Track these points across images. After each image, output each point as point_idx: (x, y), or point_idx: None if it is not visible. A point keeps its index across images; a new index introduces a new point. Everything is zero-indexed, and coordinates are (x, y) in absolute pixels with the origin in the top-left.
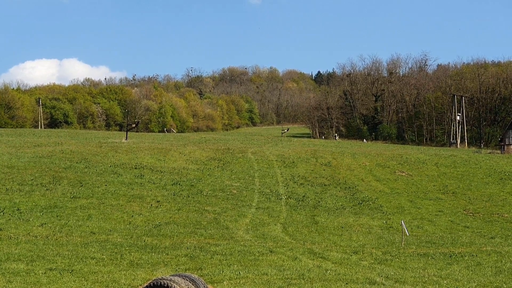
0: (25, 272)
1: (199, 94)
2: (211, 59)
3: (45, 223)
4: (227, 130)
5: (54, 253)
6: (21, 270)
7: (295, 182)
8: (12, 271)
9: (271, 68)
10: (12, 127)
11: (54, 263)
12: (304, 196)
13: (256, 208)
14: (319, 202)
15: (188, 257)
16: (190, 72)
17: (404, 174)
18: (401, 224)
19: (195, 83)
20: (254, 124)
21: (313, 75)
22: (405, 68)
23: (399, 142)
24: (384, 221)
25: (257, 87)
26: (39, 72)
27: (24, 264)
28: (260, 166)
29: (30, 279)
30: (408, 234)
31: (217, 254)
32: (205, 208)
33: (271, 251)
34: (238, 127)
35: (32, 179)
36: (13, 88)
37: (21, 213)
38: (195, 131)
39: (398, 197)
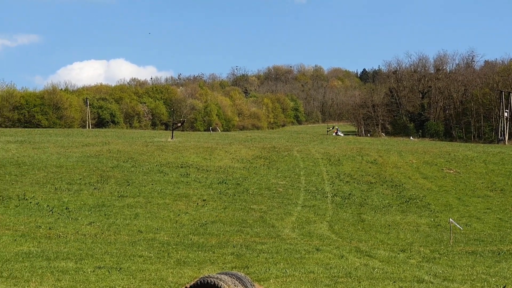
0: (74, 271)
1: (244, 92)
2: (256, 57)
3: (94, 222)
4: (272, 128)
5: (103, 252)
6: (70, 268)
7: (341, 180)
8: (61, 270)
9: (316, 66)
10: (60, 127)
11: (102, 261)
12: (350, 194)
13: (302, 206)
14: (365, 200)
15: (234, 255)
16: (235, 70)
17: (451, 171)
18: (450, 221)
19: (240, 81)
20: (299, 122)
21: (359, 73)
22: (452, 65)
23: (447, 139)
24: (432, 219)
25: (302, 85)
26: (86, 72)
27: (73, 263)
28: (305, 164)
29: (79, 277)
30: (461, 229)
31: (263, 253)
32: (251, 206)
33: (317, 249)
34: (283, 126)
35: (80, 179)
36: (61, 89)
37: (69, 212)
38: (241, 129)
39: (445, 195)
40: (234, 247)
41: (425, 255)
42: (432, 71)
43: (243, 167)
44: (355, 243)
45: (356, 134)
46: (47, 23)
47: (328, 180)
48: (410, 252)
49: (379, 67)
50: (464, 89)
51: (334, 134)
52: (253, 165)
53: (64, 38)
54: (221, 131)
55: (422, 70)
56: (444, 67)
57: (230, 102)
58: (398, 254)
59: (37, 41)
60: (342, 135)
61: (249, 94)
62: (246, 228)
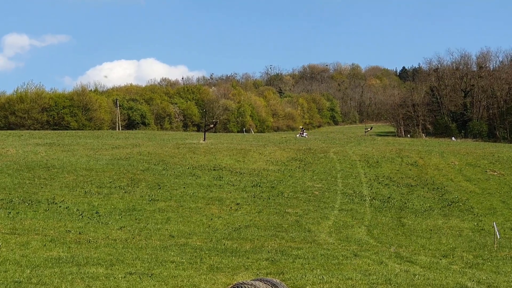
0: (104, 276)
1: (279, 92)
2: (290, 56)
3: (124, 226)
4: (308, 129)
5: (134, 257)
6: (100, 274)
7: (379, 183)
8: (92, 276)
9: (353, 64)
10: (90, 129)
11: (133, 267)
12: (389, 197)
13: (339, 210)
14: (405, 203)
15: (269, 261)
16: (269, 70)
17: (496, 173)
18: (493, 226)
19: (274, 81)
20: (335, 123)
21: (398, 71)
22: (496, 62)
23: (490, 140)
24: (475, 223)
25: (338, 84)
26: (116, 73)
27: (104, 268)
28: (342, 166)
29: (109, 284)
30: (498, 237)
31: (299, 258)
32: (286, 210)
33: (355, 255)
34: (319, 126)
35: (110, 182)
36: (91, 90)
37: (100, 216)
38: (275, 130)
39: (489, 198)
40: (269, 252)
41: (468, 261)
42: (475, 69)
43: (278, 170)
44: (395, 248)
45: (395, 135)
46: (77, 23)
47: (366, 183)
48: (453, 257)
49: (419, 65)
50: (508, 88)
51: (297, 136)
52: (288, 167)
53: (93, 38)
54: (255, 132)
55: (464, 68)
56: (487, 65)
57: (264, 102)
58: (440, 260)
59: (66, 42)
60: (306, 136)
61: (283, 94)
62: (281, 233)
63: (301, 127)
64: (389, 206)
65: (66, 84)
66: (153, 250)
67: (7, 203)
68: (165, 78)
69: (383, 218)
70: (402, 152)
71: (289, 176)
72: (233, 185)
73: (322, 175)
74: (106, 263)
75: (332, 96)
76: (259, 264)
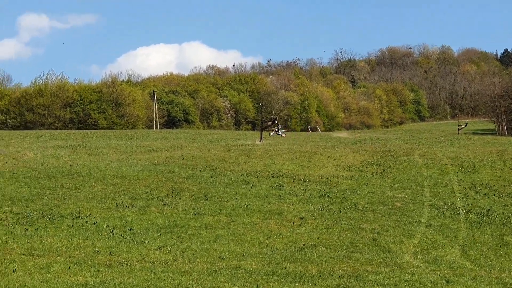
0: None
1: (351, 82)
2: (365, 38)
3: (164, 246)
4: (387, 127)
5: (175, 283)
6: None
7: (476, 192)
8: None
9: (443, 47)
10: (122, 128)
11: None
12: (489, 210)
13: (427, 226)
14: (509, 217)
15: None
16: (340, 54)
17: None
18: None
19: (345, 68)
20: (421, 118)
21: (499, 55)
22: None
23: None
24: None
25: (425, 71)
26: (154, 60)
27: None
28: (430, 172)
29: None
30: None
31: (378, 285)
32: (361, 226)
33: (447, 281)
34: (401, 123)
35: (146, 192)
36: (122, 81)
37: (134, 233)
38: (347, 128)
39: None
40: (340, 277)
41: None
42: None
43: (351, 176)
44: (497, 273)
45: (496, 133)
46: (106, 1)
47: (460, 193)
48: None
49: None
50: None
51: (271, 134)
52: (363, 173)
53: (126, 18)
54: (322, 131)
55: None
56: None
57: (333, 94)
58: None
59: (94, 23)
60: (284, 135)
61: (357, 84)
62: (355, 254)
63: (276, 122)
64: (488, 221)
65: (93, 74)
66: (199, 275)
67: (24, 217)
68: (212, 65)
69: (481, 235)
70: (505, 155)
71: (364, 184)
72: (296, 195)
73: (405, 183)
74: None
75: (417, 86)
76: None
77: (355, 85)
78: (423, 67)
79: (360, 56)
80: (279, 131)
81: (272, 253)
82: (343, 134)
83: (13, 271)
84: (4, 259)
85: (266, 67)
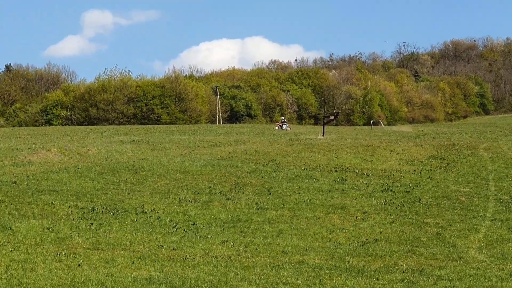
0: None
1: (414, 76)
2: (428, 31)
3: (227, 241)
4: (451, 120)
5: (239, 278)
6: None
7: None
8: None
9: (507, 39)
10: (184, 123)
11: None
12: None
13: (492, 220)
14: None
15: (404, 282)
16: (402, 48)
17: None
18: None
19: (408, 62)
20: (486, 112)
21: None
22: None
23: None
24: None
25: (489, 64)
26: (216, 55)
27: None
28: (495, 166)
29: None
30: None
31: (442, 279)
32: (424, 220)
33: None
34: (465, 117)
35: (209, 187)
36: (185, 76)
37: (197, 228)
38: (410, 122)
39: None
40: (404, 272)
41: None
42: None
43: (414, 171)
44: None
45: None
46: None
47: None
48: None
49: None
50: None
51: (276, 128)
52: (426, 167)
53: (188, 14)
54: (384, 125)
55: None
56: None
57: (396, 88)
58: None
59: (157, 19)
60: (289, 128)
61: (420, 77)
62: (418, 248)
63: (282, 117)
64: None
65: (156, 69)
66: (262, 269)
67: (89, 212)
68: (274, 60)
69: None
70: None
71: (427, 178)
72: (359, 189)
73: (470, 177)
74: (205, 284)
75: (481, 79)
76: (392, 286)
77: (418, 79)
78: (488, 59)
79: (423, 50)
80: (283, 125)
81: (335, 247)
82: (406, 128)
83: (79, 265)
84: (70, 253)
85: (328, 61)
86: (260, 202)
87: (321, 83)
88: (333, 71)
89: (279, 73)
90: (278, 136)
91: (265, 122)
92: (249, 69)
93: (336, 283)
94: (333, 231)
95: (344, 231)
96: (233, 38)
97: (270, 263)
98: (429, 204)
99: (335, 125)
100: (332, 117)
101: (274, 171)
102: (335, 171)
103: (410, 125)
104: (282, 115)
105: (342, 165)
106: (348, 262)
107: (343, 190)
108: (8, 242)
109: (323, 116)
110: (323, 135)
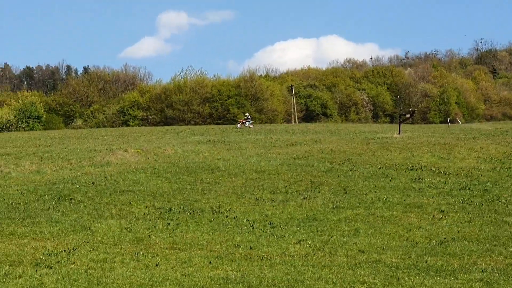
0: None
1: (492, 72)
2: (507, 27)
3: (303, 240)
4: None
5: (315, 277)
6: None
7: None
8: None
9: None
10: (260, 123)
11: None
12: None
13: None
14: None
15: (483, 282)
16: (480, 44)
17: None
18: None
19: (486, 58)
20: None
21: None
22: None
23: None
24: None
25: None
26: (291, 54)
27: None
28: None
29: None
30: None
31: None
32: (504, 219)
33: None
34: None
35: (285, 186)
36: (260, 75)
37: (274, 227)
38: (488, 120)
39: None
40: (483, 271)
41: None
42: None
43: (492, 169)
44: None
45: None
46: None
47: None
48: None
49: None
50: None
51: (238, 126)
52: (505, 165)
53: (264, 13)
54: (462, 123)
55: None
56: None
57: (473, 85)
58: None
59: (231, 19)
60: (251, 126)
61: (498, 74)
62: (498, 247)
63: (246, 114)
64: None
65: (231, 69)
66: (339, 269)
67: (166, 212)
68: (349, 59)
69: None
70: None
71: (507, 176)
72: (436, 188)
73: None
74: (282, 284)
75: None
76: (471, 285)
77: (496, 76)
78: None
79: (501, 46)
80: (247, 122)
81: (412, 246)
82: (484, 125)
83: (156, 264)
84: (148, 253)
85: (403, 59)
86: (336, 201)
87: (397, 81)
88: (409, 69)
89: (354, 72)
90: (353, 135)
91: (341, 121)
92: (324, 68)
93: (413, 283)
94: (410, 230)
95: (421, 229)
96: (309, 37)
97: (347, 262)
98: (508, 203)
99: (411, 124)
100: (408, 116)
101: (350, 170)
102: (412, 169)
103: (488, 123)
104: (245, 113)
105: (418, 164)
106: (426, 261)
107: (419, 189)
108: (87, 242)
109: (399, 114)
110: (399, 134)
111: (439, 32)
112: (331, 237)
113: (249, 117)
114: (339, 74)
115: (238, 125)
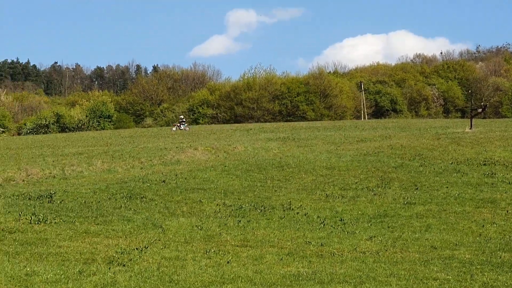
0: None
1: None
2: None
3: (374, 236)
4: None
5: (387, 273)
6: None
7: None
8: None
9: None
10: (329, 119)
11: (387, 285)
12: None
13: None
14: None
15: None
16: None
17: None
18: None
19: None
20: None
21: None
22: None
23: None
24: None
25: None
26: (360, 50)
27: (352, 286)
28: None
29: None
30: None
31: None
32: None
33: None
34: None
35: (356, 182)
36: (329, 72)
37: (344, 224)
38: None
39: None
40: None
41: None
42: None
43: None
44: None
45: None
46: None
47: None
48: None
49: None
50: None
51: (173, 129)
52: None
53: (332, 10)
54: None
55: None
56: None
57: None
58: None
59: (300, 16)
60: (187, 129)
61: None
62: None
63: (180, 116)
64: None
65: (300, 66)
66: (411, 265)
67: (236, 209)
68: (419, 54)
69: None
70: None
71: None
72: (510, 183)
73: None
74: (354, 280)
75: None
76: None
77: None
78: None
79: None
80: (181, 125)
81: (485, 242)
82: None
83: (228, 262)
84: (219, 250)
85: (474, 53)
86: (407, 197)
87: (468, 75)
88: (480, 63)
89: (424, 67)
90: (423, 130)
91: (411, 116)
92: (393, 64)
93: (487, 279)
94: (483, 226)
95: (495, 225)
96: (378, 33)
97: (419, 258)
98: None
99: (483, 118)
100: (479, 110)
101: (421, 166)
102: (484, 164)
103: None
104: (180, 115)
105: (491, 158)
106: (500, 257)
107: (492, 184)
108: (159, 240)
109: (470, 109)
110: (470, 128)
111: (510, 25)
112: (402, 233)
113: (184, 119)
114: (408, 70)
115: (173, 128)
